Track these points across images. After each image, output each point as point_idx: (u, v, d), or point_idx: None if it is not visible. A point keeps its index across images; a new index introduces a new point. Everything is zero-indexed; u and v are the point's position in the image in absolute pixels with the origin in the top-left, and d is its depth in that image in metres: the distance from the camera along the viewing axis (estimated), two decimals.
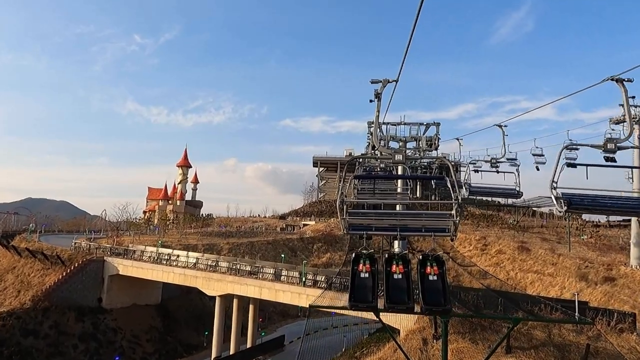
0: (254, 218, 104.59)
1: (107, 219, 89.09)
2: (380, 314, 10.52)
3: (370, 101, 13.55)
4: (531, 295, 29.51)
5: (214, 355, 40.87)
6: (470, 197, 20.90)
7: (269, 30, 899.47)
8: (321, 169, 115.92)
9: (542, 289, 41.29)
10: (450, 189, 9.15)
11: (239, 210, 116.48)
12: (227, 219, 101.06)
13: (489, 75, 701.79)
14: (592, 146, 10.58)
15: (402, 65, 10.53)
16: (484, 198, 55.59)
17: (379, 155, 17.49)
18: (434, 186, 26.20)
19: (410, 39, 8.63)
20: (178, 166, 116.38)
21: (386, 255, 9.44)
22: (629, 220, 45.67)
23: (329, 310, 40.26)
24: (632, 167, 33.71)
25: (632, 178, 37.31)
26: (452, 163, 12.73)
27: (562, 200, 9.61)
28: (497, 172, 20.11)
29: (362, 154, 43.64)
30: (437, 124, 31.10)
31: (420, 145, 29.90)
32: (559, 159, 9.80)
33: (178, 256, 45.37)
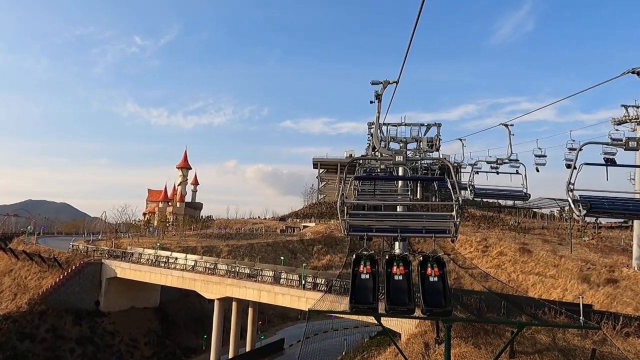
0: (253, 220, 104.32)
1: (106, 221, 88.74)
2: (382, 318, 10.38)
3: (371, 102, 13.49)
4: (534, 298, 29.19)
5: (212, 358, 40.48)
6: (475, 199, 20.49)
7: (268, 29, 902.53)
8: (321, 170, 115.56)
9: (544, 291, 40.95)
10: (451, 190, 9.04)
11: (238, 212, 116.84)
12: (226, 220, 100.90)
13: (490, 75, 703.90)
14: (612, 144, 10.17)
15: (402, 67, 10.49)
16: (489, 200, 55.21)
17: (379, 156, 17.31)
18: (435, 187, 25.92)
19: (411, 40, 8.51)
20: (178, 168, 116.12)
21: (387, 257, 9.49)
22: (631, 222, 45.32)
23: (329, 314, 39.90)
24: None
25: (635, 179, 37.02)
26: (454, 164, 12.51)
27: (580, 204, 8.74)
28: (503, 173, 19.40)
29: (362, 155, 43.45)
30: (438, 125, 30.90)
31: (421, 146, 29.66)
32: (577, 158, 9.22)
33: (176, 259, 44.93)
